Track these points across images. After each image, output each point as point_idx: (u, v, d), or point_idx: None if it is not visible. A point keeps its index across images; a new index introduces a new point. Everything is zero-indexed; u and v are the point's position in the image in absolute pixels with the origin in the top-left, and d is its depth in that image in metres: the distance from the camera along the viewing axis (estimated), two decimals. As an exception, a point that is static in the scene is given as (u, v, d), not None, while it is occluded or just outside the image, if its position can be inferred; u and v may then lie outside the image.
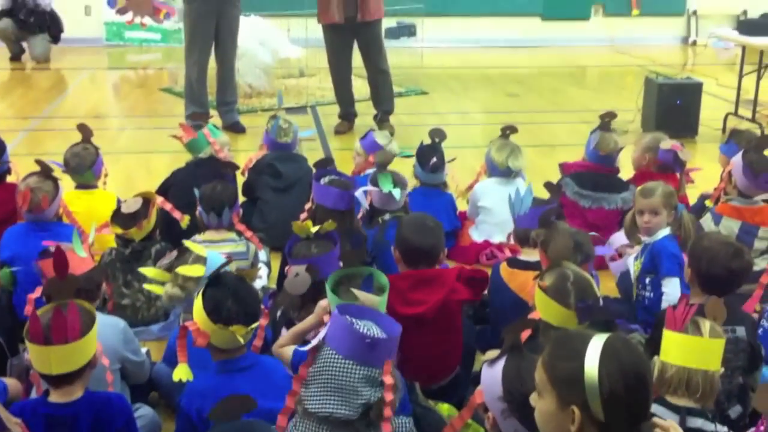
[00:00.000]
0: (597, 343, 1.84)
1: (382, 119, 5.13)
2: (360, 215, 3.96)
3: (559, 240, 3.16)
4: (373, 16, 6.71)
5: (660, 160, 4.59)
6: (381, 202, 4.01)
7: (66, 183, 4.17)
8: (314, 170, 4.04)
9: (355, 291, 2.70)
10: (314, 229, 3.19)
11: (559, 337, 1.99)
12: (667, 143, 4.56)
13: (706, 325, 2.41)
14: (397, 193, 3.95)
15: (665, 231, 3.70)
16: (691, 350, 2.37)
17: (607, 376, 1.80)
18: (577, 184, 4.31)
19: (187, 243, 3.15)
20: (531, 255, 3.45)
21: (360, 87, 7.44)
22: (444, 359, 3.25)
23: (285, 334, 2.97)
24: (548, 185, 3.78)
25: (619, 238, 4.15)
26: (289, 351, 2.83)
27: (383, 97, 7.06)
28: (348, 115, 7.13)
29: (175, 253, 3.18)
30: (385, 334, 2.47)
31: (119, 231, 3.70)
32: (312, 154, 5.63)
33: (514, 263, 3.52)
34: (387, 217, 3.98)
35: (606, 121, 4.77)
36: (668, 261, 3.58)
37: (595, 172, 4.59)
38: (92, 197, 4.27)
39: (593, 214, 4.38)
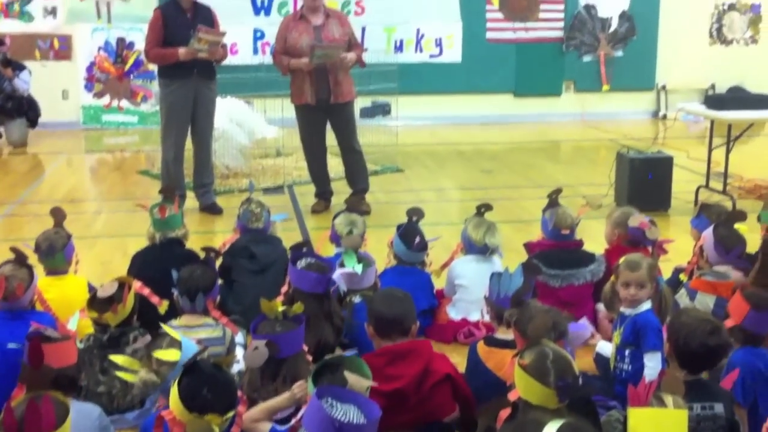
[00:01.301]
0: None
1: (352, 201, 5.17)
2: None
3: (538, 318, 3.19)
4: (345, 98, 6.84)
5: (630, 236, 4.63)
6: (349, 282, 4.04)
7: (38, 271, 4.15)
8: (290, 253, 4.05)
9: (347, 374, 2.71)
10: (281, 308, 3.23)
11: (513, 428, 2.00)
12: (635, 220, 4.58)
13: (668, 398, 2.43)
14: (359, 268, 3.98)
15: (647, 304, 3.71)
16: (659, 423, 2.39)
17: None
18: (544, 264, 4.33)
19: (164, 327, 3.15)
20: (508, 333, 3.45)
21: (336, 165, 7.52)
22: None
23: (256, 408, 2.99)
24: (526, 265, 3.79)
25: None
26: (264, 427, 2.84)
27: (357, 176, 7.13)
28: (324, 194, 7.18)
29: (148, 338, 3.16)
30: (364, 418, 2.46)
31: (94, 315, 3.68)
32: (289, 234, 5.65)
33: (491, 342, 3.52)
34: (357, 298, 3.99)
35: (554, 198, 4.81)
36: (654, 336, 3.58)
37: (560, 249, 4.59)
38: (63, 283, 4.25)
39: (564, 292, 4.38)
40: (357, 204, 6.92)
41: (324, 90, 6.74)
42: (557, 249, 4.58)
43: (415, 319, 3.43)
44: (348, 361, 2.82)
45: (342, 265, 4.08)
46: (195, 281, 3.80)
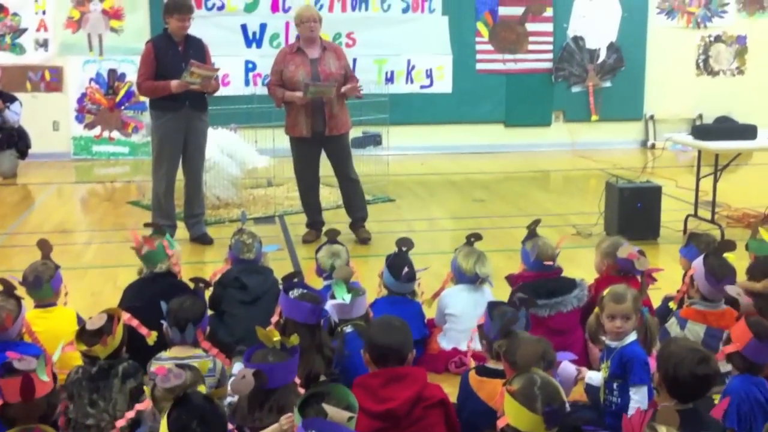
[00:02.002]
0: None
1: (332, 233, 5.10)
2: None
3: (527, 347, 3.20)
4: (340, 131, 6.88)
5: (619, 266, 4.65)
6: (340, 312, 4.04)
7: (27, 304, 4.14)
8: (281, 283, 4.05)
9: (325, 406, 2.70)
10: (277, 338, 3.22)
11: None
12: (624, 251, 4.56)
13: (662, 428, 2.44)
14: (348, 298, 3.99)
15: (633, 336, 3.71)
16: (653, 453, 2.40)
17: None
18: (532, 294, 4.32)
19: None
20: (499, 363, 3.45)
21: (327, 195, 7.54)
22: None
23: None
24: (521, 300, 3.79)
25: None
26: None
27: (356, 205, 7.15)
28: (315, 224, 7.18)
29: (183, 373, 3.09)
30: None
31: (84, 348, 3.66)
32: (279, 263, 5.65)
33: (483, 371, 3.52)
34: (348, 328, 3.99)
35: (533, 229, 4.82)
36: (640, 369, 3.58)
37: (544, 279, 4.58)
38: (52, 315, 4.24)
39: (553, 320, 4.38)
40: (358, 233, 6.98)
41: (319, 122, 6.77)
42: (541, 279, 4.58)
43: (412, 347, 3.47)
44: (334, 390, 2.83)
45: (333, 297, 4.08)
46: (185, 312, 3.78)
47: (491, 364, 3.57)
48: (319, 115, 6.75)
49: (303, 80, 6.62)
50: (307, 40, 6.81)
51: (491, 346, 3.56)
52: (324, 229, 7.05)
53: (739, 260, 4.37)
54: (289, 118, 6.86)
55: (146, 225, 4.76)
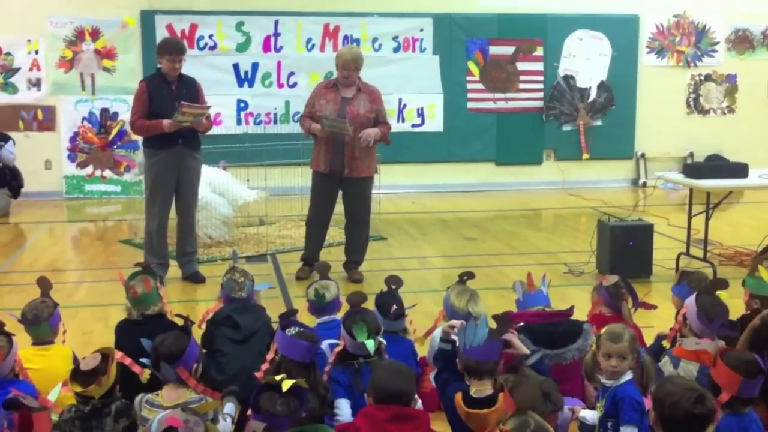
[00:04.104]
0: None
1: (322, 266, 5.13)
2: (332, 359, 4.04)
3: (527, 388, 3.17)
4: (360, 174, 6.89)
5: (604, 300, 4.65)
6: (354, 349, 4.05)
7: (23, 341, 4.11)
8: (275, 321, 4.04)
9: None
10: (286, 384, 3.19)
11: None
12: (606, 281, 4.67)
13: None
14: (371, 344, 4.00)
15: (628, 375, 3.69)
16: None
17: None
18: (532, 342, 4.25)
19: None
20: (481, 389, 3.47)
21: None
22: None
23: None
24: (496, 317, 3.81)
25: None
26: None
27: (357, 249, 7.18)
28: (310, 260, 7.15)
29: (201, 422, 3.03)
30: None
31: (79, 389, 3.62)
32: (272, 302, 5.64)
33: (470, 401, 3.51)
34: (362, 361, 3.99)
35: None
36: (630, 409, 3.57)
37: (547, 322, 4.48)
38: (49, 353, 4.21)
39: (553, 370, 4.31)
40: (350, 274, 6.99)
41: (338, 162, 6.81)
42: (544, 323, 4.46)
43: (414, 394, 3.52)
44: (316, 430, 2.82)
45: (348, 330, 4.07)
46: (163, 349, 3.75)
47: (474, 391, 3.55)
48: (339, 155, 6.79)
49: (320, 113, 6.70)
50: (343, 83, 6.89)
51: (467, 367, 3.61)
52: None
53: (731, 298, 4.38)
54: (314, 151, 6.96)
55: (137, 265, 4.72)
